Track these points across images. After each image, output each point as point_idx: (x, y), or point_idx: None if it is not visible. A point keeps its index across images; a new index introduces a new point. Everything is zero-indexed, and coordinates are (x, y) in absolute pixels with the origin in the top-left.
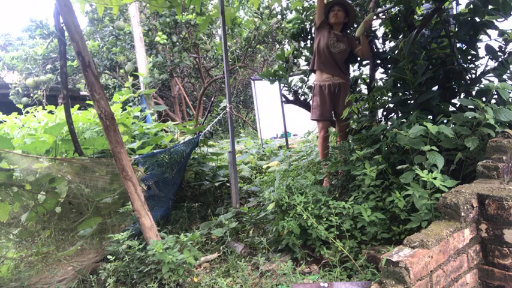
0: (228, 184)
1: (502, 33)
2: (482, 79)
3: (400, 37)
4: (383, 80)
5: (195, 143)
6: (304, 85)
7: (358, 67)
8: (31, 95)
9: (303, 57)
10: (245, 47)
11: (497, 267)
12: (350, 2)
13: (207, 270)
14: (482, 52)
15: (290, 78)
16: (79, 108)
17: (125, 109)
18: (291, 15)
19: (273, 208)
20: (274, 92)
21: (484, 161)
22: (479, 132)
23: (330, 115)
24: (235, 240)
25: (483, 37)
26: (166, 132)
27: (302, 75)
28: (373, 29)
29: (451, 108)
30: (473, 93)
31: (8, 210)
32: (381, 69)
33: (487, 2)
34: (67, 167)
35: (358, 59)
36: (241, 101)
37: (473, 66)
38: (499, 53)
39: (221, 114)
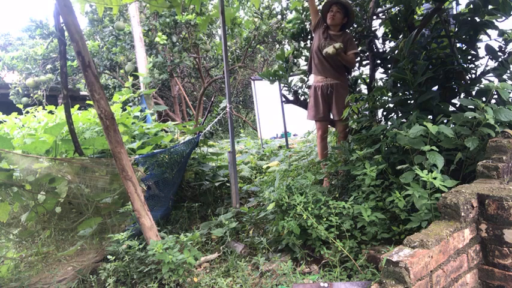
0: (228, 184)
1: (502, 33)
2: (482, 79)
3: (400, 37)
4: (383, 80)
5: (195, 143)
6: (304, 85)
7: (358, 67)
8: (31, 95)
9: (303, 57)
10: (245, 47)
11: (497, 267)
12: (350, 1)
13: (207, 270)
14: (482, 52)
15: (290, 78)
16: (79, 108)
17: (125, 109)
18: (291, 15)
19: (273, 208)
20: (274, 92)
21: (484, 161)
22: (479, 132)
23: (325, 115)
24: (235, 240)
25: (483, 37)
26: (166, 132)
27: (302, 75)
28: (373, 29)
29: (451, 108)
30: (473, 93)
31: (8, 210)
32: (381, 69)
33: (487, 2)
34: (67, 167)
35: (358, 58)
36: (241, 101)
37: (473, 66)
38: (499, 53)
39: (221, 114)
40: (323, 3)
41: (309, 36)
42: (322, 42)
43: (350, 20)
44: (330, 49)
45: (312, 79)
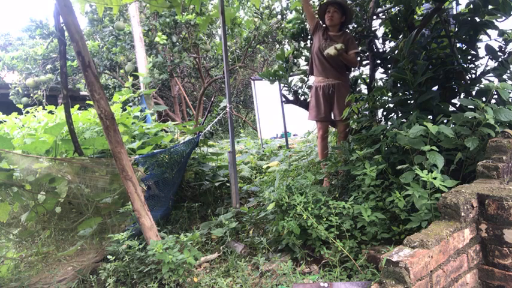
0: (228, 184)
1: (502, 33)
2: (482, 79)
3: (400, 37)
4: (383, 80)
5: (195, 143)
6: (304, 85)
7: (358, 67)
8: (31, 95)
9: (303, 57)
10: (245, 47)
11: (497, 267)
12: (348, 0)
13: (207, 270)
14: (482, 52)
15: (290, 78)
16: (79, 108)
17: (125, 109)
18: (291, 15)
19: (273, 208)
20: (274, 92)
21: (484, 161)
22: (479, 132)
23: (326, 115)
24: (235, 240)
25: (483, 37)
26: (166, 132)
27: (302, 75)
28: (373, 29)
29: (451, 108)
30: (473, 93)
31: (8, 210)
32: (381, 69)
33: (487, 2)
34: (67, 167)
35: (358, 58)
36: (241, 101)
37: (473, 66)
38: (499, 53)
39: (221, 114)
40: (319, 6)
41: (309, 36)
42: (323, 43)
43: (348, 18)
44: (331, 50)
45: (313, 79)
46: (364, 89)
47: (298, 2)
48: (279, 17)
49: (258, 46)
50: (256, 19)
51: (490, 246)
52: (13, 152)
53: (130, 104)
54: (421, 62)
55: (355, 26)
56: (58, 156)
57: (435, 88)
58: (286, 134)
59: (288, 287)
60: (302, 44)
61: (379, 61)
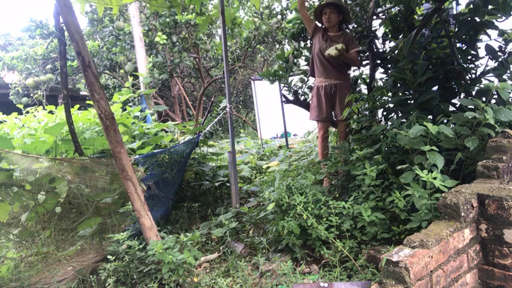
0: (228, 184)
1: (502, 33)
2: (482, 79)
3: (400, 37)
4: (383, 80)
5: (195, 143)
6: (304, 85)
7: (359, 67)
8: (31, 95)
9: (303, 57)
10: (245, 47)
11: (497, 267)
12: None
13: (207, 270)
14: (482, 52)
15: (290, 78)
16: (79, 108)
17: (125, 109)
18: (291, 15)
19: (273, 208)
20: (274, 92)
21: (484, 161)
22: (479, 132)
23: (328, 115)
24: (235, 240)
25: (483, 37)
26: (166, 132)
27: (302, 75)
28: (373, 29)
29: (451, 108)
30: (473, 93)
31: (8, 210)
32: (381, 69)
33: (487, 2)
34: (67, 167)
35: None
36: (241, 101)
37: (473, 66)
38: (499, 53)
39: (221, 114)
40: (314, 9)
41: (309, 36)
42: (323, 44)
43: (346, 16)
44: (332, 51)
45: (313, 80)
46: (364, 89)
47: None
48: (279, 17)
49: (258, 46)
50: (256, 19)
51: (490, 246)
52: (13, 152)
53: (130, 104)
54: (421, 62)
55: (355, 26)
56: (58, 156)
57: (435, 88)
58: (286, 134)
59: (288, 287)
60: (302, 44)
61: (379, 61)
